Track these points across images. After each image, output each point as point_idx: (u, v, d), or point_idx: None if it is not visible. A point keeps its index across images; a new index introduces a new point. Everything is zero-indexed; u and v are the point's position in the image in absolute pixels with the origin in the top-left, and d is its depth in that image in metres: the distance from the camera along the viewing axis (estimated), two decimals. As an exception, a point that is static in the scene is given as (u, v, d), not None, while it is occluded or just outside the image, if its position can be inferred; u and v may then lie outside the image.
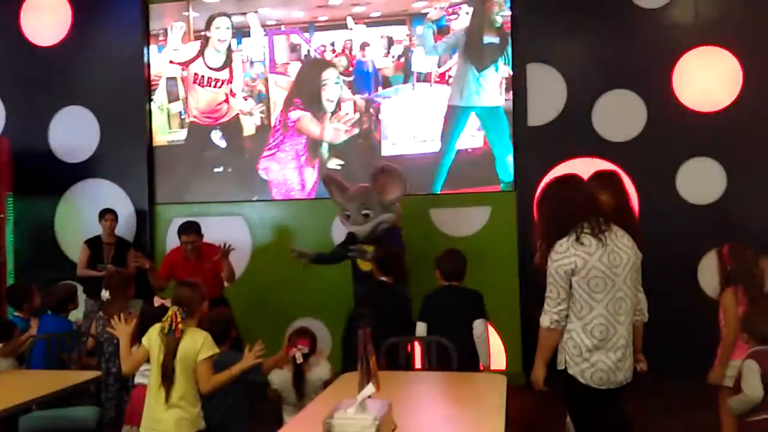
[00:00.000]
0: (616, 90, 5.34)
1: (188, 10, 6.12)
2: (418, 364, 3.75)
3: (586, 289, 2.53)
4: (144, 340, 2.89)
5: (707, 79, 5.21)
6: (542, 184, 2.80)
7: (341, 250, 4.86)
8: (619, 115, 5.31)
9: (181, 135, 6.15)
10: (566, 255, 2.55)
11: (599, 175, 3.45)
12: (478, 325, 3.58)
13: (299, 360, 3.47)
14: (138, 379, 3.37)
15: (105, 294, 3.93)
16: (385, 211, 4.79)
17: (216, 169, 6.04)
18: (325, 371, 3.54)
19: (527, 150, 5.45)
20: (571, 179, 2.80)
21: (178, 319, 2.80)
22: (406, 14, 5.77)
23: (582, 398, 2.62)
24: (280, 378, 3.50)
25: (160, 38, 6.18)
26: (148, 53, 6.16)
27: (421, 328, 3.64)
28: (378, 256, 4.07)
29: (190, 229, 4.94)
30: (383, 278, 3.96)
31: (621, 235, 2.64)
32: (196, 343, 2.81)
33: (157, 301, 5.18)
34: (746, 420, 2.94)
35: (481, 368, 3.61)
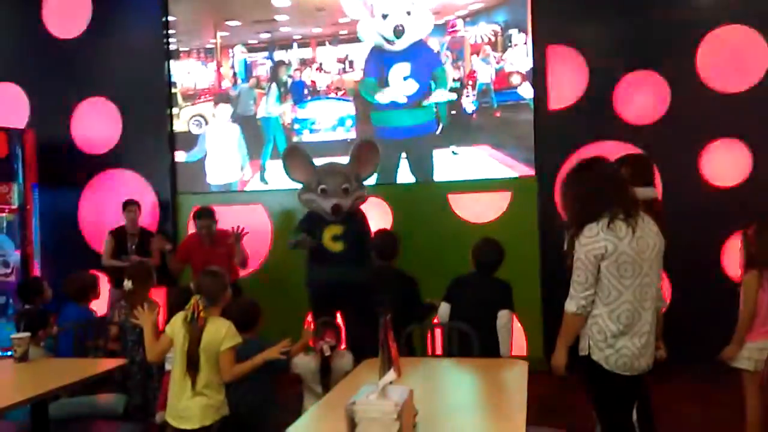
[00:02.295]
0: (639, 71, 5.25)
1: (215, 37, 6.09)
2: (438, 350, 3.75)
3: (615, 274, 2.50)
4: (167, 328, 2.92)
5: (732, 58, 5.10)
6: (570, 167, 2.73)
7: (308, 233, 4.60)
8: (642, 97, 5.23)
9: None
10: (596, 239, 2.51)
11: (628, 159, 3.40)
12: (502, 315, 3.56)
13: (327, 353, 3.46)
14: (169, 366, 3.40)
15: (128, 284, 3.98)
16: (361, 187, 4.76)
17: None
18: (348, 362, 3.54)
19: (548, 134, 5.39)
20: (600, 162, 2.74)
21: (200, 308, 2.83)
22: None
23: (605, 384, 2.60)
24: (304, 365, 3.50)
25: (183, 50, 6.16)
26: (168, 43, 6.19)
27: (444, 310, 3.64)
28: (379, 243, 4.07)
29: (205, 214, 5.05)
30: (385, 262, 3.98)
31: (648, 220, 2.60)
32: (220, 332, 2.84)
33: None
34: None
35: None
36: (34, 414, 3.16)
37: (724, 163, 5.11)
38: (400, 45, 5.65)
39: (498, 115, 5.53)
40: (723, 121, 5.09)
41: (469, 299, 3.61)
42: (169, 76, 6.19)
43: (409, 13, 5.55)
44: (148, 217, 5.98)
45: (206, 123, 6.09)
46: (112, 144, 6.26)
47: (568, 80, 5.36)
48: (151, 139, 6.16)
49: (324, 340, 3.49)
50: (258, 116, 6.00)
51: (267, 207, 5.94)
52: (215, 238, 5.04)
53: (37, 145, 6.06)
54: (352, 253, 4.50)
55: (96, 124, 6.27)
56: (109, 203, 5.97)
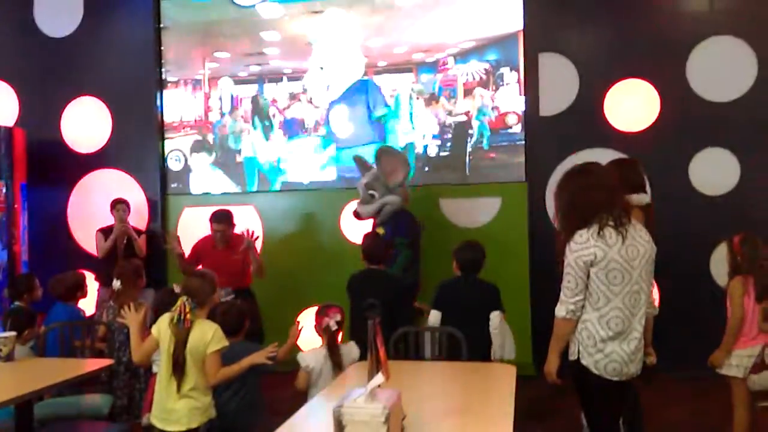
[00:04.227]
0: (629, 80, 5.29)
1: (204, 68, 6.05)
2: (427, 354, 3.75)
3: (604, 281, 2.51)
4: (154, 329, 2.90)
5: (721, 68, 5.15)
6: (563, 173, 2.73)
7: None
8: (632, 105, 5.27)
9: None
10: (586, 246, 2.52)
11: (620, 163, 3.42)
12: (494, 317, 3.56)
13: (333, 327, 3.42)
14: (156, 368, 3.37)
15: (116, 283, 3.95)
16: (389, 193, 4.83)
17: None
18: (355, 350, 3.49)
19: (539, 141, 5.41)
20: (593, 169, 2.75)
21: (187, 310, 2.80)
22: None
23: (594, 389, 2.60)
24: (313, 355, 3.43)
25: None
26: (160, 43, 6.17)
27: (434, 317, 3.64)
28: (366, 247, 4.08)
29: (221, 217, 4.86)
30: (374, 266, 3.99)
31: (639, 227, 2.61)
32: (206, 335, 2.82)
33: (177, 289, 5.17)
34: (759, 406, 2.97)
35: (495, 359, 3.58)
36: (19, 414, 3.13)
37: (713, 172, 5.15)
38: (334, 94, 5.80)
39: (492, 156, 5.53)
40: (712, 130, 5.14)
41: (459, 304, 3.61)
42: (160, 75, 6.16)
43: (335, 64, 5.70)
44: (137, 216, 5.95)
45: (185, 159, 6.09)
46: (102, 143, 6.23)
47: (559, 88, 5.38)
48: (141, 139, 6.14)
49: (329, 315, 3.45)
50: (242, 156, 5.98)
51: (259, 208, 5.93)
52: (230, 243, 4.86)
53: (26, 143, 6.02)
54: None
55: (86, 123, 6.24)
56: (98, 203, 5.93)
